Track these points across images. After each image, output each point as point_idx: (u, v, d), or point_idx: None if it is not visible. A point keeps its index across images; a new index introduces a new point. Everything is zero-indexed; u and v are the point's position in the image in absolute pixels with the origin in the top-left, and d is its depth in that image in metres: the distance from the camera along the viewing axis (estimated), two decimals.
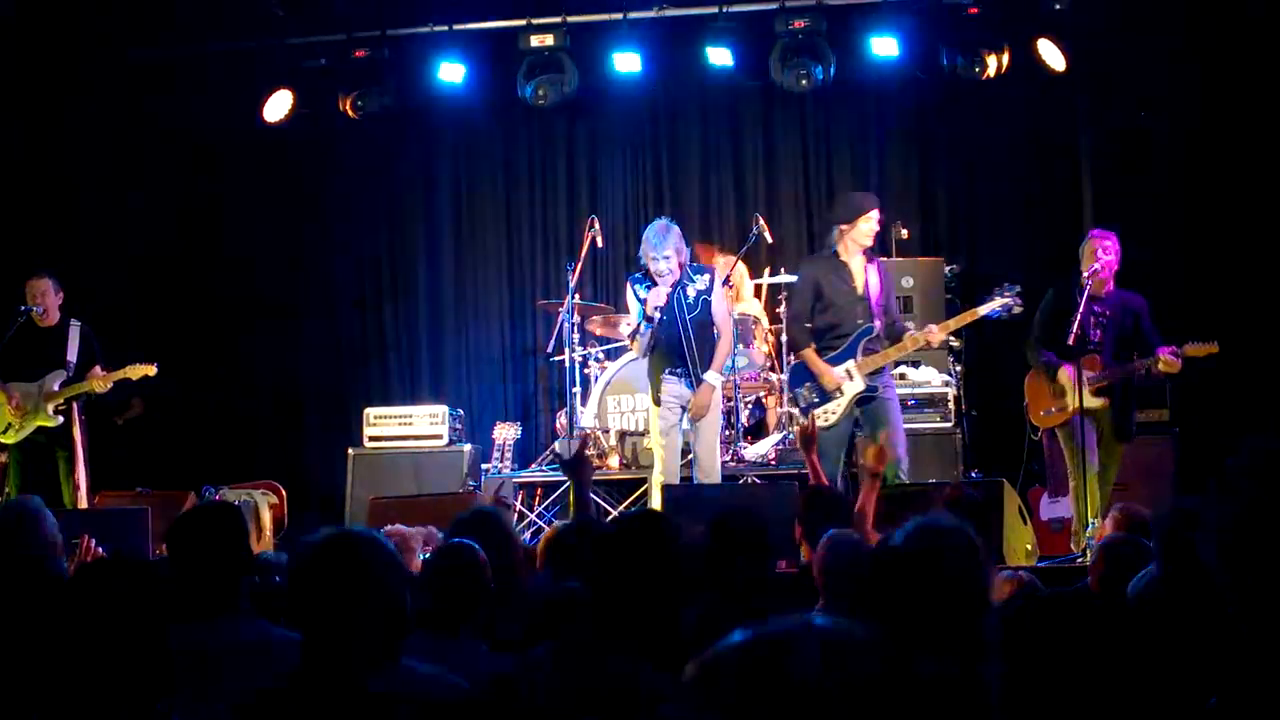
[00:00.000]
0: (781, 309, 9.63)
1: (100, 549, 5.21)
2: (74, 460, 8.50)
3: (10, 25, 9.43)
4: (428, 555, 4.40)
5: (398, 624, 2.70)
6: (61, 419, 8.50)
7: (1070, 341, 7.15)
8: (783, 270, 9.85)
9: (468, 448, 9.69)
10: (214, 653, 3.24)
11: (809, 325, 7.72)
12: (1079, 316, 7.16)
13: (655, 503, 7.66)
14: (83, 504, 8.31)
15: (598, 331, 9.85)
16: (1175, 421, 8.66)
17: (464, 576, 3.53)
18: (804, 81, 9.72)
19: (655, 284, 7.69)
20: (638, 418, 9.37)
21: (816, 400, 7.59)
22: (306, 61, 10.23)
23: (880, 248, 8.24)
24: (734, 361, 9.13)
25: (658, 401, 7.76)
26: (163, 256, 10.47)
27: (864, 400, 7.56)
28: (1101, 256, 7.37)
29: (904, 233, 9.74)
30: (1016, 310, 7.47)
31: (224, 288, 10.63)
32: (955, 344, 9.30)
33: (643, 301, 7.73)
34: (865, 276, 7.63)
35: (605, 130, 10.92)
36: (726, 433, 9.03)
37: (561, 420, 9.61)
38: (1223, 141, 9.13)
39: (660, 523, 3.17)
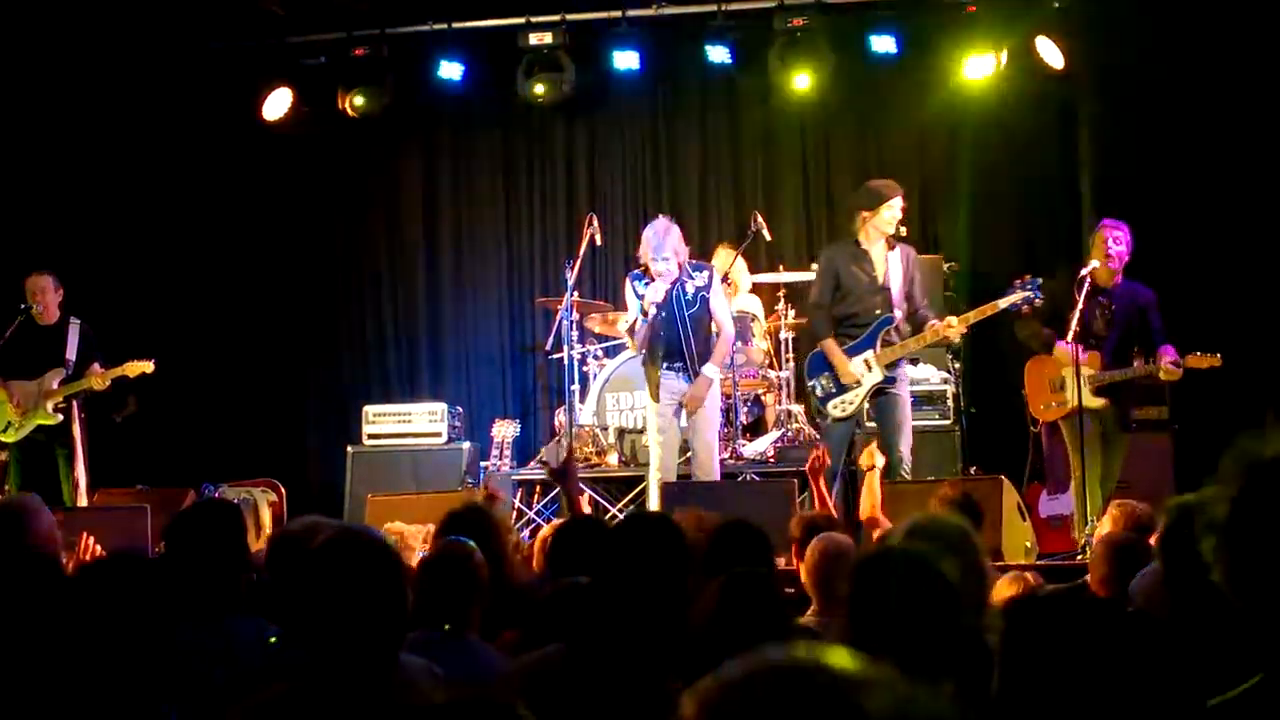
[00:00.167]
0: (780, 306, 9.64)
1: (99, 547, 5.21)
2: (73, 458, 8.51)
3: (4, 24, 9.42)
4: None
5: (398, 621, 2.71)
6: (61, 417, 8.51)
7: (1069, 336, 7.12)
8: (781, 268, 9.85)
9: (466, 445, 9.69)
10: (213, 651, 3.23)
11: (830, 313, 7.69)
12: (1079, 311, 7.13)
13: (653, 500, 7.66)
14: (82, 502, 8.31)
15: (597, 329, 9.85)
16: (1174, 418, 8.66)
17: (461, 574, 3.53)
18: (803, 79, 9.72)
19: (654, 282, 7.69)
20: (636, 415, 9.37)
21: (834, 391, 7.59)
22: (306, 59, 10.23)
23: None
24: (732, 359, 9.14)
25: (656, 397, 7.75)
26: (162, 254, 10.45)
27: (878, 393, 7.56)
28: (1112, 248, 7.33)
29: (902, 230, 9.72)
30: (1038, 304, 7.40)
31: (223, 285, 10.62)
32: (955, 341, 9.29)
33: (641, 298, 7.73)
34: (886, 266, 7.61)
35: (604, 128, 10.92)
36: (725, 430, 9.03)
37: (560, 418, 9.61)
38: (1223, 140, 9.12)
39: (671, 522, 3.18)
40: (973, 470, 8.62)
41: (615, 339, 9.80)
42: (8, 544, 4.15)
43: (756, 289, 9.99)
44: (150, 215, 10.41)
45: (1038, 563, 6.80)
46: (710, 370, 7.72)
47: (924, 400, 8.91)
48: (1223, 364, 7.24)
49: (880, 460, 6.20)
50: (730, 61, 9.87)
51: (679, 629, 2.84)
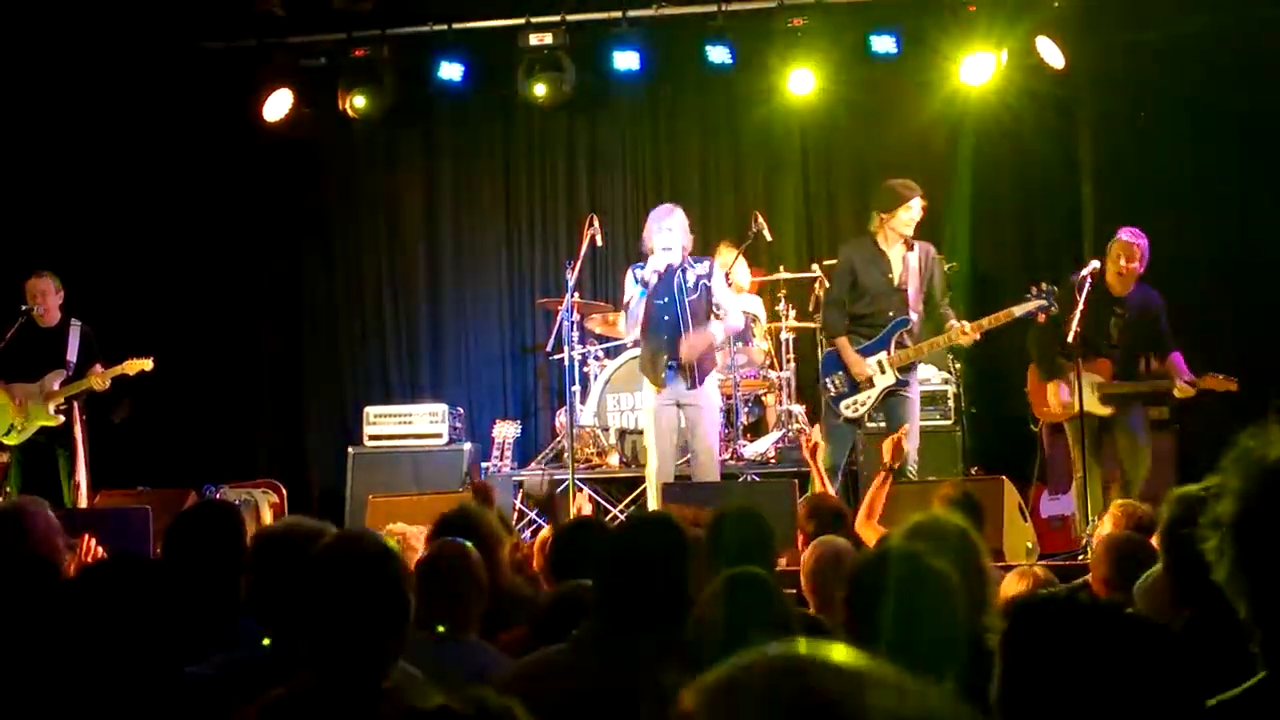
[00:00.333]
0: (781, 307, 9.64)
1: (100, 548, 5.20)
2: (75, 459, 8.51)
3: (4, 26, 9.43)
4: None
5: (401, 623, 2.71)
6: (62, 418, 8.51)
7: (1070, 339, 7.11)
8: (781, 268, 9.84)
9: (468, 446, 9.69)
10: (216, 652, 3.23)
11: (846, 312, 7.67)
12: (1079, 312, 7.12)
13: (652, 503, 7.66)
14: (83, 503, 8.31)
15: (597, 330, 9.86)
16: (1176, 418, 8.66)
17: (457, 574, 3.53)
18: (803, 80, 9.72)
19: (656, 255, 7.71)
20: (637, 415, 9.37)
21: (846, 391, 7.59)
22: (306, 60, 10.23)
23: None
24: (733, 359, 9.14)
25: (661, 385, 7.71)
26: (163, 256, 10.45)
27: (889, 394, 7.55)
28: (1126, 263, 7.31)
29: None
30: (1054, 312, 7.36)
31: (223, 286, 10.62)
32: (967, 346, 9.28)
33: (640, 282, 7.73)
34: (904, 267, 7.59)
35: (605, 129, 10.91)
36: (726, 430, 9.03)
37: (561, 419, 9.61)
38: (1223, 139, 9.12)
39: (673, 521, 3.17)
40: (973, 470, 8.62)
41: (616, 340, 9.80)
42: (9, 546, 4.15)
43: (757, 289, 9.99)
44: (151, 216, 10.41)
45: (1039, 562, 6.79)
46: (715, 327, 7.70)
47: (925, 400, 8.90)
48: (1239, 390, 7.20)
49: (899, 459, 6.15)
50: (730, 62, 9.87)
51: (681, 628, 2.84)
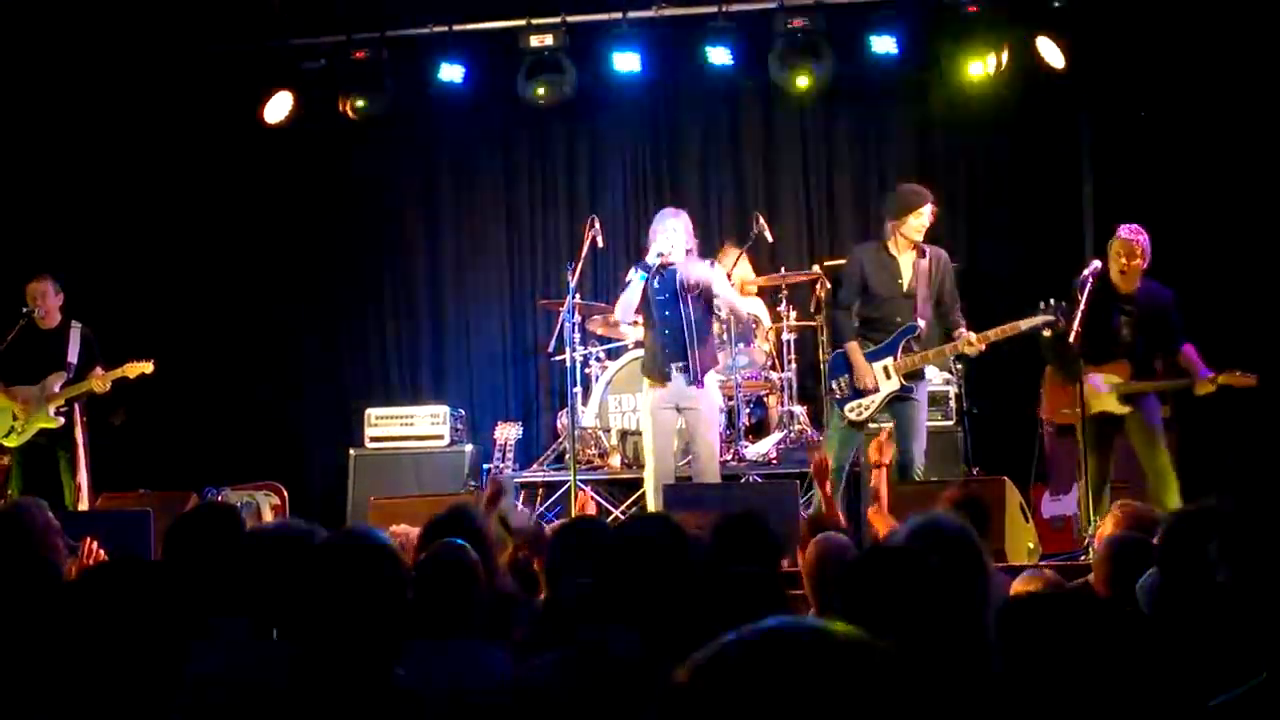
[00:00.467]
0: (783, 308, 9.64)
1: (102, 551, 5.20)
2: (75, 462, 8.51)
3: (5, 28, 9.43)
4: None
5: (400, 621, 2.71)
6: (63, 420, 8.51)
7: (1071, 339, 7.08)
8: (782, 269, 9.84)
9: (469, 448, 9.70)
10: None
11: (854, 315, 7.67)
12: (1080, 313, 7.09)
13: (651, 505, 7.66)
14: (84, 505, 8.31)
15: (599, 331, 9.86)
16: (1176, 417, 8.64)
17: (453, 576, 3.53)
18: (804, 80, 9.72)
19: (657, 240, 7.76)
20: (639, 417, 9.37)
21: (850, 395, 7.59)
22: (307, 63, 10.23)
23: None
24: (735, 360, 9.14)
25: (665, 379, 7.72)
26: (164, 258, 10.46)
27: (895, 399, 7.55)
28: (1129, 261, 7.27)
29: None
30: (1060, 328, 7.32)
31: (225, 288, 10.62)
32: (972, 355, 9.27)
33: (642, 265, 7.77)
34: (914, 273, 7.59)
35: (605, 130, 10.92)
36: (728, 432, 9.03)
37: (563, 420, 9.61)
38: (1224, 138, 9.12)
39: (672, 522, 3.17)
40: (975, 471, 8.62)
41: (617, 341, 9.80)
42: (10, 549, 4.16)
43: (759, 290, 9.99)
44: (152, 219, 10.41)
45: (1041, 564, 6.79)
46: (721, 276, 7.74)
47: (927, 401, 8.89)
48: (1260, 385, 7.15)
49: (888, 455, 6.18)
50: (731, 62, 9.87)
51: (680, 629, 2.84)
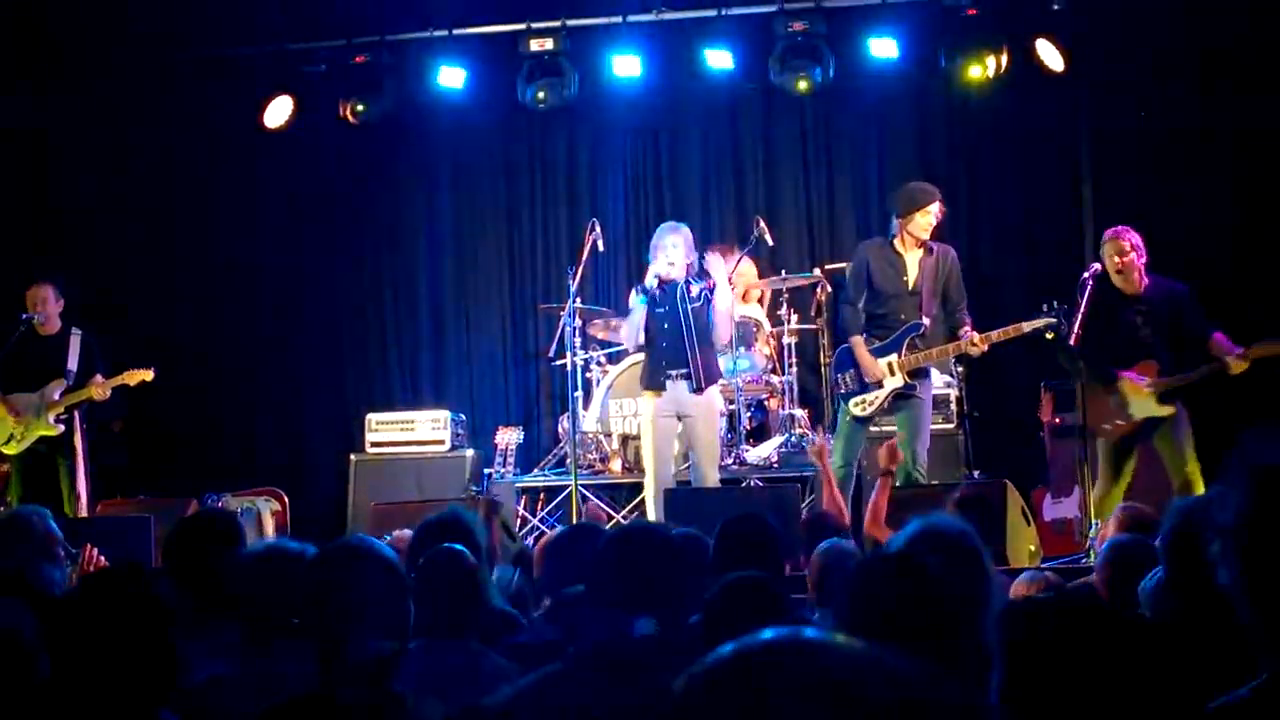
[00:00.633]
0: (783, 311, 9.64)
1: (103, 558, 5.20)
2: (75, 469, 8.50)
3: (4, 32, 9.44)
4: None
5: (401, 628, 2.71)
6: (63, 427, 8.51)
7: (1073, 342, 7.05)
8: (783, 273, 9.83)
9: (470, 453, 9.69)
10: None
11: (860, 311, 7.67)
12: (1081, 316, 7.07)
13: (651, 510, 7.66)
14: (84, 512, 8.30)
15: (599, 335, 9.85)
16: (1190, 418, 8.59)
17: (458, 582, 3.52)
18: (803, 83, 9.72)
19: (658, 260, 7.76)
20: (639, 422, 9.36)
21: (855, 389, 7.59)
22: (307, 67, 10.24)
23: None
24: (735, 364, 9.13)
25: (662, 388, 7.72)
26: (164, 263, 10.45)
27: (899, 397, 7.55)
28: (1119, 259, 7.23)
29: None
30: (1063, 331, 7.26)
31: (225, 294, 10.62)
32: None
33: (644, 291, 7.76)
34: (919, 271, 7.59)
35: (605, 134, 10.91)
36: (729, 436, 9.03)
37: (564, 424, 9.61)
38: (1224, 141, 9.11)
39: (663, 529, 3.16)
40: (976, 474, 8.61)
41: (618, 345, 9.79)
42: (9, 555, 4.15)
43: (760, 296, 9.99)
44: (152, 224, 10.41)
45: (1043, 566, 6.78)
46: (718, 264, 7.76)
47: (931, 402, 8.88)
48: None
49: (896, 463, 6.17)
50: (731, 66, 9.87)
51: (678, 634, 2.83)
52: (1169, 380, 7.18)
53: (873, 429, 7.90)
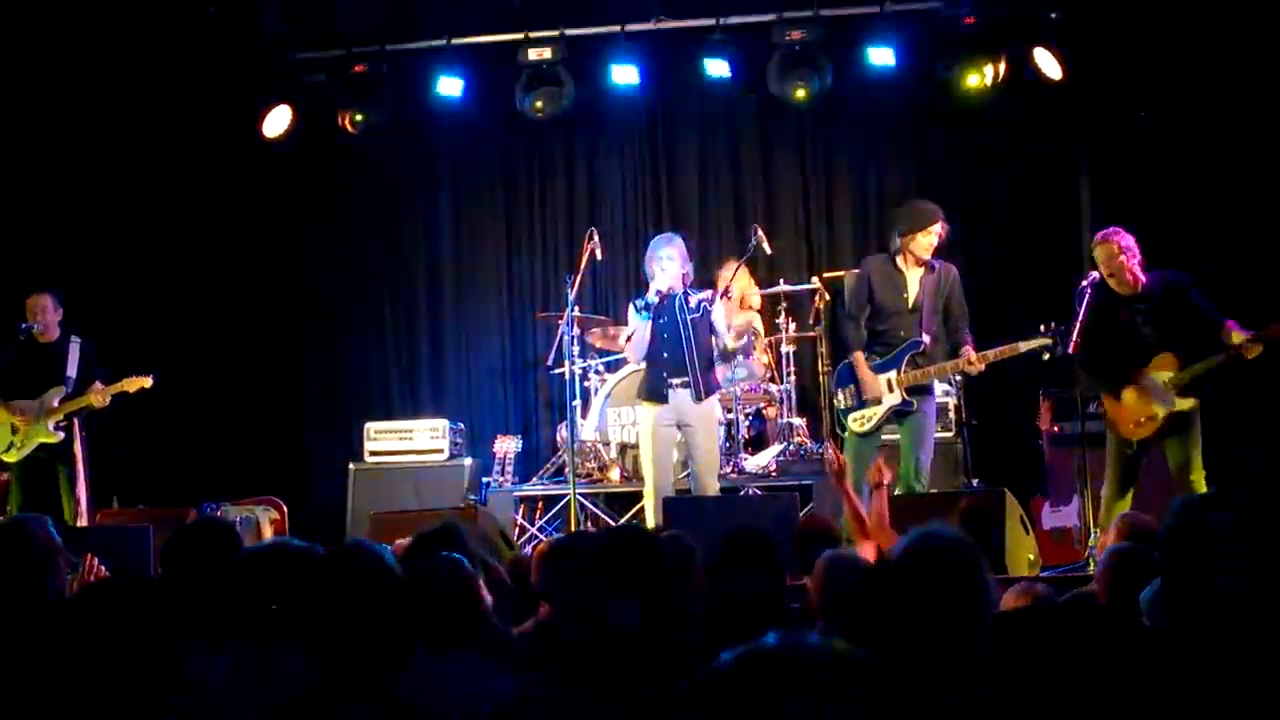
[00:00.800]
0: (781, 320, 9.64)
1: (103, 567, 5.20)
2: (75, 477, 8.50)
3: (5, 43, 9.44)
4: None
5: (400, 635, 2.71)
6: (62, 435, 8.51)
7: (1071, 349, 7.02)
8: (781, 281, 9.84)
9: (469, 461, 9.69)
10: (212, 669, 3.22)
11: (861, 326, 7.67)
12: (1080, 323, 7.04)
13: (650, 519, 7.66)
14: (84, 521, 8.30)
15: (598, 344, 9.86)
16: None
17: (458, 591, 3.52)
18: (802, 93, 9.74)
19: (658, 277, 7.76)
20: (638, 431, 9.36)
21: (854, 405, 7.60)
22: (306, 77, 10.25)
23: None
24: (734, 373, 9.14)
25: (663, 400, 7.73)
26: (163, 272, 10.46)
27: (900, 413, 7.56)
28: (1112, 261, 7.19)
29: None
30: (1059, 354, 7.17)
31: (224, 302, 10.62)
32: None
33: (643, 308, 7.77)
34: (920, 288, 7.60)
35: (604, 143, 10.93)
36: (727, 444, 9.03)
37: (563, 433, 9.61)
38: (1222, 147, 9.12)
39: (651, 537, 3.16)
40: (975, 483, 8.61)
41: (616, 354, 9.80)
42: (9, 564, 4.14)
43: (759, 303, 9.99)
44: (151, 233, 10.41)
45: (1042, 575, 6.77)
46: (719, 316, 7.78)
47: (934, 413, 8.88)
48: None
49: (888, 477, 6.15)
50: (729, 75, 9.88)
51: (672, 643, 2.83)
52: (1189, 370, 7.07)
53: (884, 437, 7.86)
